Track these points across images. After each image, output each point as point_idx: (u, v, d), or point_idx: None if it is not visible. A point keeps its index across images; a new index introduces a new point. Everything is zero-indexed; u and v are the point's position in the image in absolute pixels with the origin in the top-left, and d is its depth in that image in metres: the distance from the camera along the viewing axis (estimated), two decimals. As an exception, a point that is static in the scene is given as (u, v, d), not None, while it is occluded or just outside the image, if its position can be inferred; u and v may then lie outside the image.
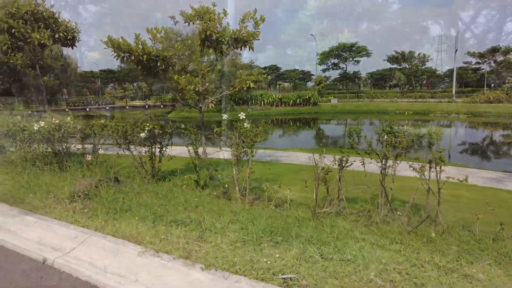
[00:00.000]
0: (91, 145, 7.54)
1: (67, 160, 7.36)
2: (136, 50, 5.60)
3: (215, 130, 5.32)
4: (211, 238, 3.73)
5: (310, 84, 67.65)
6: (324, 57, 60.56)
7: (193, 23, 6.61)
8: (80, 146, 7.45)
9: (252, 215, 4.57)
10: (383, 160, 4.48)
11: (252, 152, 5.11)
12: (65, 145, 7.42)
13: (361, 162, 4.54)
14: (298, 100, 39.13)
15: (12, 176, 6.55)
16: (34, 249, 3.60)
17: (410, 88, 62.81)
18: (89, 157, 6.90)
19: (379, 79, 69.99)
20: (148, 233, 3.84)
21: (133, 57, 5.59)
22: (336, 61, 61.58)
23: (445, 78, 68.78)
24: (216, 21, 6.28)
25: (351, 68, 62.84)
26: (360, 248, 3.70)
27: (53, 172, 7.00)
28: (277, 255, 3.35)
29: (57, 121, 6.88)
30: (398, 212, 4.80)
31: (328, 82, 61.74)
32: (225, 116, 5.70)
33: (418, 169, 4.41)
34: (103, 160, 7.41)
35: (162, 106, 48.66)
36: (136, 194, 5.34)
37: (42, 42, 7.65)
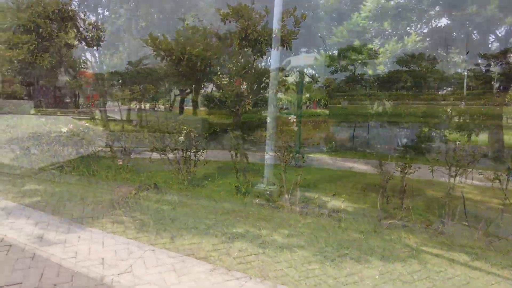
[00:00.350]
0: (118, 148, 7.26)
1: (95, 164, 7.09)
2: (177, 49, 5.31)
3: (264, 135, 5.00)
4: (278, 254, 3.40)
5: (315, 86, 67.04)
6: (332, 59, 60.15)
7: (230, 22, 6.32)
8: (108, 150, 7.17)
9: (310, 227, 4.24)
10: (453, 168, 4.13)
11: (303, 157, 4.79)
12: (93, 148, 7.15)
13: (429, 169, 4.20)
14: (308, 102, 38.76)
15: (42, 182, 6.27)
16: (88, 265, 3.29)
17: (417, 90, 62.14)
18: (120, 161, 6.62)
19: (386, 82, 69.36)
20: (208, 247, 3.52)
21: (173, 57, 5.30)
22: (344, 63, 61.12)
23: (453, 80, 67.88)
24: (257, 19, 5.99)
25: (361, 70, 62.23)
26: (442, 264, 3.37)
27: (82, 177, 6.72)
28: (360, 274, 3.02)
29: (86, 124, 6.62)
30: (463, 223, 4.46)
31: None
32: (269, 119, 5.37)
33: (491, 178, 4.08)
34: (132, 165, 7.12)
35: (170, 108, 48.34)
36: (179, 202, 5.04)
37: (69, 42, 7.44)
